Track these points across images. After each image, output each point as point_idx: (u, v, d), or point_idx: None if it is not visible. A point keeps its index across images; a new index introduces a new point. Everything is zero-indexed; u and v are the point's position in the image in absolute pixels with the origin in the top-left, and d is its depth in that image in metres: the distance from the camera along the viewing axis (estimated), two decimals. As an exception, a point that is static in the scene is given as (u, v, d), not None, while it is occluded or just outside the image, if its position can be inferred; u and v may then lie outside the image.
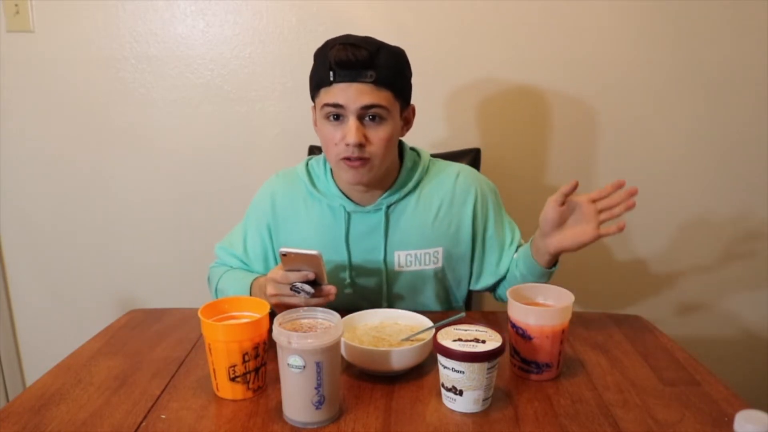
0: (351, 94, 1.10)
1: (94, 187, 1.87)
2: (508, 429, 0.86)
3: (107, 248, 1.92)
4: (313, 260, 1.02)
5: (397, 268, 1.25)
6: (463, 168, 1.30)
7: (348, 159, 1.13)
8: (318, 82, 1.14)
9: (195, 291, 1.84)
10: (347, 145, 1.11)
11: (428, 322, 1.05)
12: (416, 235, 1.24)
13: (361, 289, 1.26)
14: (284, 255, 1.02)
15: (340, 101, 1.11)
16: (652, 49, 1.73)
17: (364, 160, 1.13)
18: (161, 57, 1.77)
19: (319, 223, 1.24)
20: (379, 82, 1.10)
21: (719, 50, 1.72)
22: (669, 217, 1.85)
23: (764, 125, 1.77)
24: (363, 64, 1.08)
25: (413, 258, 1.24)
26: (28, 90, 1.80)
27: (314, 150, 1.67)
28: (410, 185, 1.24)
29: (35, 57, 1.77)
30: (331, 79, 1.10)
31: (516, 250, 1.29)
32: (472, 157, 1.64)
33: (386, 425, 0.86)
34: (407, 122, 1.23)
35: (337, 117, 1.13)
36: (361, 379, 0.99)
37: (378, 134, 1.13)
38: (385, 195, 1.23)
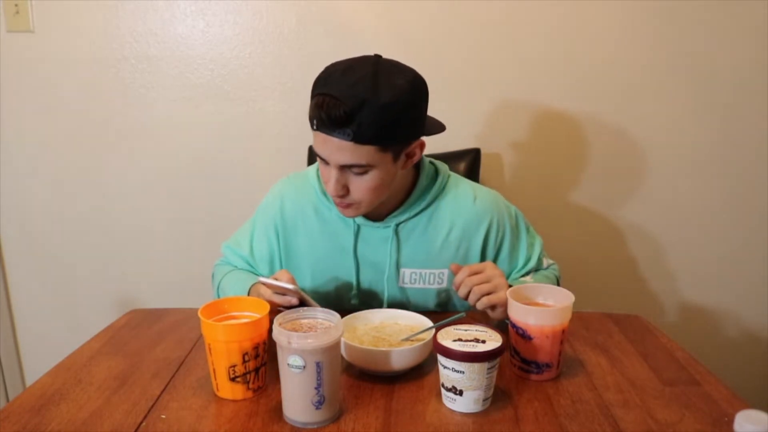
0: (330, 150, 1.05)
1: (94, 186, 1.87)
2: (508, 429, 0.86)
3: (107, 248, 1.92)
4: (290, 291, 1.04)
5: (401, 284, 1.24)
6: (480, 192, 1.25)
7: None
8: (309, 120, 1.08)
9: (195, 291, 1.84)
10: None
11: (428, 322, 1.05)
12: (423, 255, 1.22)
13: (365, 300, 1.25)
14: (263, 284, 1.06)
15: (321, 154, 1.08)
16: (652, 49, 1.73)
17: (350, 204, 1.12)
18: (161, 57, 1.77)
19: (328, 231, 1.23)
20: (358, 140, 1.03)
21: (721, 51, 1.72)
22: (669, 217, 1.85)
23: (765, 126, 1.77)
24: (339, 121, 1.01)
25: (418, 276, 1.23)
26: (28, 90, 1.80)
27: (314, 151, 1.67)
28: (422, 204, 1.21)
29: (35, 57, 1.77)
30: (314, 127, 1.06)
31: (529, 271, 1.26)
32: (472, 157, 1.64)
33: (386, 425, 0.86)
34: (411, 156, 1.14)
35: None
36: (361, 379, 0.99)
37: (362, 184, 1.09)
38: (395, 213, 1.21)
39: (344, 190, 1.09)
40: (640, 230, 1.86)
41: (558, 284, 1.29)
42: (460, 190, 1.24)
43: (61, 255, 1.93)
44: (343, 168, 1.07)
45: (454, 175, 1.27)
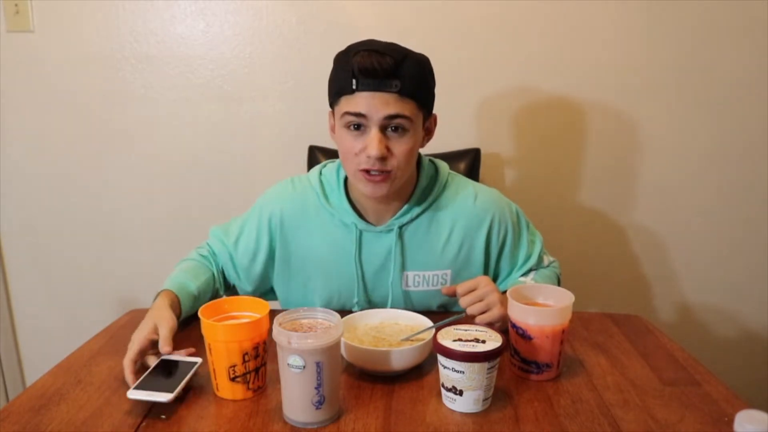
0: (375, 104, 1.06)
1: (93, 186, 1.87)
2: (508, 429, 0.86)
3: (107, 248, 1.92)
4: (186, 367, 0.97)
5: (404, 287, 1.23)
6: (481, 190, 1.25)
7: (367, 172, 1.10)
8: (339, 89, 1.10)
9: (195, 291, 1.83)
10: (368, 157, 1.08)
11: (428, 322, 1.05)
12: (426, 257, 1.22)
13: (368, 306, 1.24)
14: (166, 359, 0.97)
15: (363, 110, 1.07)
16: (652, 50, 1.73)
17: (385, 174, 1.11)
18: (161, 57, 1.77)
19: (330, 237, 1.22)
20: (403, 92, 1.07)
21: (721, 50, 1.72)
22: (669, 217, 1.85)
23: (765, 126, 1.77)
24: (388, 72, 1.05)
25: (421, 279, 1.23)
26: (28, 90, 1.80)
27: (314, 151, 1.67)
28: (424, 205, 1.20)
29: (35, 57, 1.77)
30: (354, 87, 1.06)
31: (529, 269, 1.27)
32: (472, 157, 1.64)
33: (386, 425, 0.86)
34: (429, 133, 1.19)
35: (358, 127, 1.09)
36: (361, 379, 0.99)
37: (400, 146, 1.10)
38: (397, 215, 1.20)
39: (386, 151, 1.09)
40: (641, 230, 1.86)
41: (559, 282, 1.29)
42: (460, 190, 1.24)
43: (61, 255, 1.93)
44: (383, 129, 1.08)
45: (454, 174, 1.27)
